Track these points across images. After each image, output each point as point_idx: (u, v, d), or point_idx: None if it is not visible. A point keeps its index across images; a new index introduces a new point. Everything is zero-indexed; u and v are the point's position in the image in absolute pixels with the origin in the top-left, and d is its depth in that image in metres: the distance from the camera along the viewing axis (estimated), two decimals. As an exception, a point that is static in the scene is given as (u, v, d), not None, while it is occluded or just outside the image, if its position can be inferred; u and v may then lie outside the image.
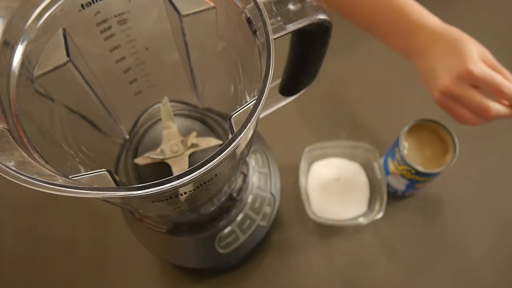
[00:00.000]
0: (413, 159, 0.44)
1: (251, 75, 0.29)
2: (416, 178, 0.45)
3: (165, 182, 0.20)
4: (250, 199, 0.44)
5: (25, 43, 0.26)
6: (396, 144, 0.46)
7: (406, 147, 0.45)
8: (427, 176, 0.44)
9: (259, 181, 0.46)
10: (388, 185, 0.51)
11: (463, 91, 0.40)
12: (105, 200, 0.26)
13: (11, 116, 0.24)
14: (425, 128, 0.46)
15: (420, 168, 0.43)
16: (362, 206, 0.50)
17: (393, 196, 0.52)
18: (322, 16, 0.27)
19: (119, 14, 0.32)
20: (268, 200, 0.45)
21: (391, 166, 0.48)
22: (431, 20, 0.43)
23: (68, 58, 0.28)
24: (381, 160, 0.51)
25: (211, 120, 0.43)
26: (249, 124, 0.21)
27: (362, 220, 0.49)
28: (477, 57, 0.40)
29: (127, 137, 0.42)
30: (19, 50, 0.26)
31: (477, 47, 0.41)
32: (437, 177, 0.46)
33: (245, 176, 0.44)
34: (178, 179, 0.20)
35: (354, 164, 0.53)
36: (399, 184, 0.49)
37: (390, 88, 0.60)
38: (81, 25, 0.30)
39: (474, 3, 0.66)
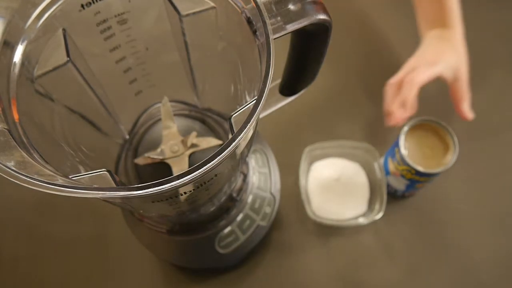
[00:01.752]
0: (413, 159, 0.44)
1: (251, 75, 0.29)
2: (416, 178, 0.45)
3: (165, 182, 0.20)
4: (250, 199, 0.44)
5: (25, 43, 0.26)
6: (396, 144, 0.46)
7: (406, 147, 0.45)
8: (427, 176, 0.44)
9: (259, 181, 0.46)
10: (388, 185, 0.51)
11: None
12: (105, 200, 0.26)
13: (11, 116, 0.24)
14: (425, 128, 0.46)
15: (420, 168, 0.43)
16: (362, 206, 0.50)
17: (393, 196, 0.52)
18: (322, 16, 0.27)
19: (119, 14, 0.32)
20: (268, 200, 0.45)
21: (391, 166, 0.48)
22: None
23: (68, 58, 0.28)
24: (381, 160, 0.51)
25: (211, 120, 0.43)
26: (249, 124, 0.21)
27: (362, 220, 0.49)
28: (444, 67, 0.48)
29: (127, 137, 0.42)
30: (19, 50, 0.26)
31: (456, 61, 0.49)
32: (437, 177, 0.46)
33: (245, 176, 0.44)
34: (178, 179, 0.20)
35: (354, 164, 0.53)
36: (399, 184, 0.49)
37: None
38: (81, 25, 0.30)
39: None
